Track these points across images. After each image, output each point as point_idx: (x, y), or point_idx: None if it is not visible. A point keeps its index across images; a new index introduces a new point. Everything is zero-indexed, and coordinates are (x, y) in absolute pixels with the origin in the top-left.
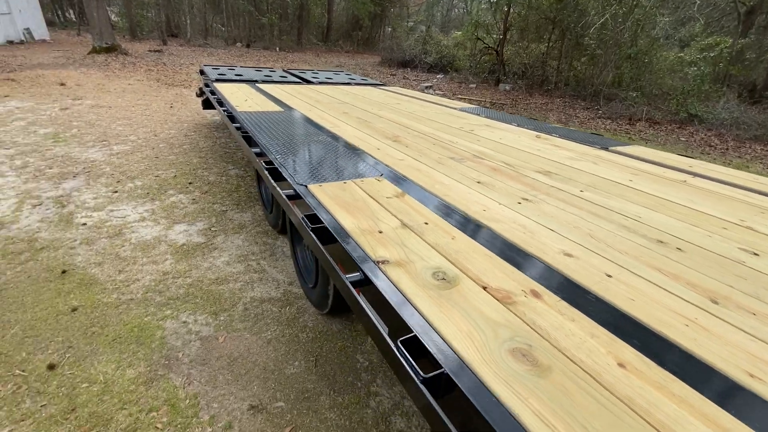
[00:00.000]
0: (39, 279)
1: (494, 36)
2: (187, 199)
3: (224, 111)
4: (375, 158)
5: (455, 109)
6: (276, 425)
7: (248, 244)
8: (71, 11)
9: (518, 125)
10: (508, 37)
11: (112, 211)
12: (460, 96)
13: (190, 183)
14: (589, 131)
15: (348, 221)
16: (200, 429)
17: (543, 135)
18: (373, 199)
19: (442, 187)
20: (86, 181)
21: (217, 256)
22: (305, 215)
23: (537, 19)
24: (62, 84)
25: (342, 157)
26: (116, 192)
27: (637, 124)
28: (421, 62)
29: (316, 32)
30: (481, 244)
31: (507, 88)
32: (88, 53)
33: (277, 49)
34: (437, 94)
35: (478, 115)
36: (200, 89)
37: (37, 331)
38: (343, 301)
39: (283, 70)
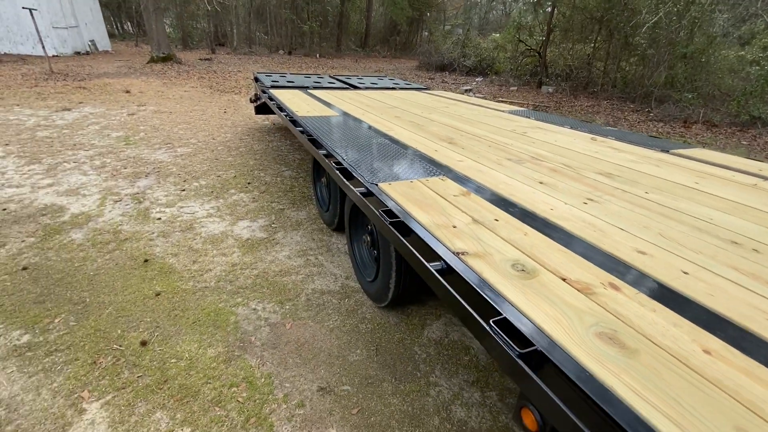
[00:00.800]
0: (125, 267)
1: (536, 38)
2: (248, 197)
3: (286, 116)
4: (434, 160)
5: (503, 111)
6: (344, 406)
7: (306, 240)
8: (129, 24)
9: (571, 128)
10: (551, 38)
11: (182, 207)
12: (500, 99)
13: (248, 183)
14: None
15: (422, 217)
16: (276, 405)
17: (599, 137)
18: (441, 197)
19: (506, 186)
20: (157, 180)
21: (278, 250)
22: (382, 210)
23: (582, 19)
24: (127, 91)
25: (403, 158)
26: (184, 190)
27: (693, 127)
28: (459, 65)
29: (355, 38)
30: (554, 241)
31: (550, 90)
32: (147, 62)
33: (317, 55)
34: (477, 98)
35: (528, 117)
36: (255, 95)
37: (128, 311)
38: (404, 294)
39: (330, 77)
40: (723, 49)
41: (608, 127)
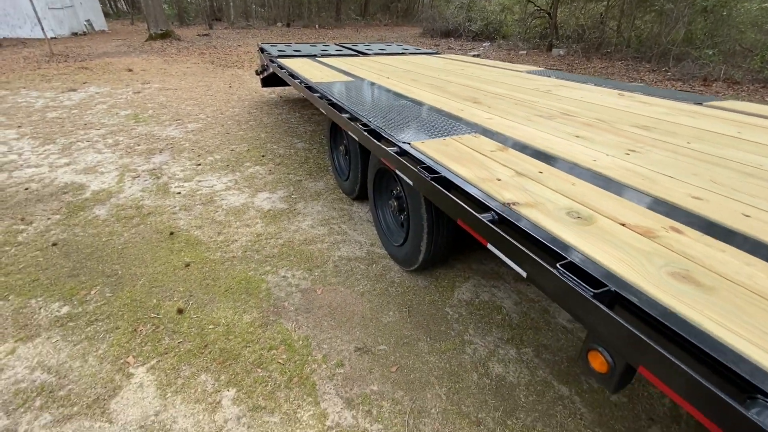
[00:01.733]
0: (152, 240)
1: None
2: (264, 170)
3: (300, 83)
4: (462, 118)
5: (521, 71)
6: (382, 365)
7: (327, 210)
8: (123, 1)
9: (595, 84)
10: None
11: (200, 181)
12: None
13: (263, 156)
14: None
15: (464, 171)
16: (316, 365)
17: (626, 92)
18: (478, 152)
19: (543, 141)
20: (171, 155)
21: (301, 220)
22: (421, 167)
23: None
24: (130, 70)
25: (429, 118)
26: (199, 165)
27: (713, 84)
28: (465, 30)
29: (354, 6)
30: (604, 189)
31: (561, 53)
32: (146, 40)
33: (317, 26)
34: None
35: (549, 77)
36: (262, 67)
37: (160, 282)
38: (434, 256)
39: (336, 44)
40: (746, 1)
41: (634, 84)
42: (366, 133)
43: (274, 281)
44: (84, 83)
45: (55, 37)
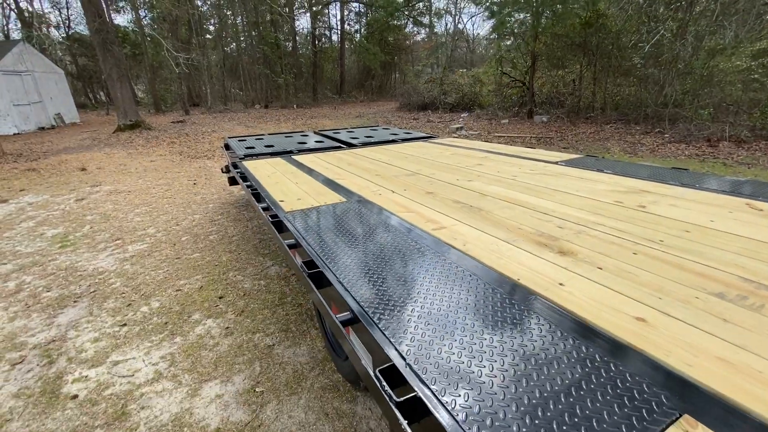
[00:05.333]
0: None
1: (519, 68)
2: (218, 327)
3: (266, 213)
4: (558, 306)
5: (558, 163)
6: None
7: (315, 419)
8: (101, 93)
9: (681, 184)
10: (536, 66)
11: (116, 363)
12: (497, 134)
13: (220, 298)
14: (671, 162)
15: None
16: None
17: (755, 202)
18: None
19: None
20: (89, 308)
21: None
22: None
23: (562, 46)
24: (83, 169)
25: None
26: (125, 325)
27: (720, 145)
28: (441, 103)
29: (330, 86)
30: None
31: (544, 119)
32: (114, 132)
33: (294, 106)
34: (471, 135)
35: (598, 170)
36: (227, 167)
37: None
38: None
39: (315, 133)
40: (721, 61)
41: (743, 179)
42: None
43: None
44: (21, 191)
45: (18, 133)
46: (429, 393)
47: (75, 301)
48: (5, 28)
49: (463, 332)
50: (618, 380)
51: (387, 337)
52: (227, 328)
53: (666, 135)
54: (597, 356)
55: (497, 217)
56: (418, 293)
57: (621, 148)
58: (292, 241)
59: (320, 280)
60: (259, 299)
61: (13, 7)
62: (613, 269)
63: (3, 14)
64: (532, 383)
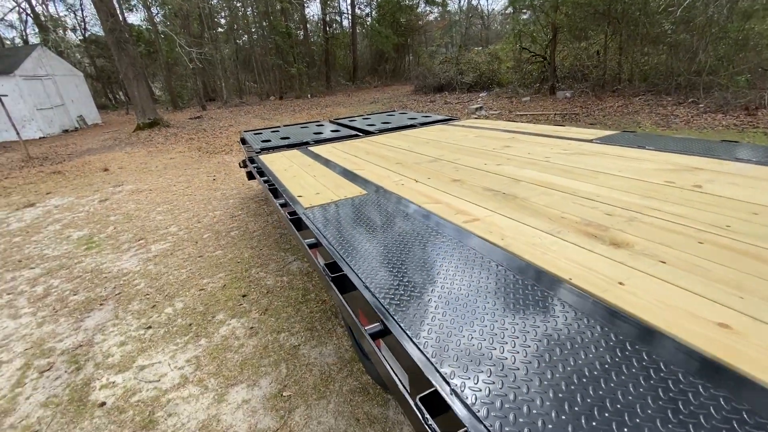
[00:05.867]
0: None
1: (539, 42)
2: (243, 327)
3: (284, 209)
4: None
5: (593, 141)
6: None
7: (346, 425)
8: (120, 93)
9: (752, 159)
10: (557, 39)
11: (142, 368)
12: (519, 113)
13: (243, 296)
14: (708, 133)
15: None
16: None
17: None
18: None
19: None
20: (114, 311)
21: None
22: None
23: (585, 15)
24: (106, 170)
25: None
26: (150, 328)
27: (758, 113)
28: (458, 84)
29: (343, 73)
30: None
31: (567, 95)
32: (134, 131)
33: (309, 96)
34: (491, 114)
35: (640, 146)
36: (244, 161)
37: None
38: None
39: (331, 122)
40: (756, 24)
41: None
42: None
43: None
44: (48, 194)
45: (44, 137)
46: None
47: (101, 304)
48: (23, 33)
49: (517, 352)
50: (712, 408)
51: (426, 356)
52: (252, 328)
53: (701, 105)
54: (680, 376)
55: (535, 205)
56: (455, 298)
57: (653, 121)
58: (312, 240)
59: (344, 284)
60: (282, 296)
61: (29, 12)
62: (679, 263)
63: (20, 19)
64: (607, 415)
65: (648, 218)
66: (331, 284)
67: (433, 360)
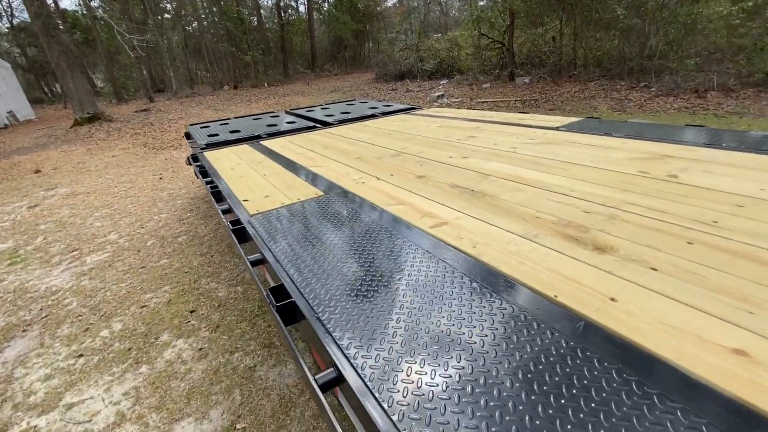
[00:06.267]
0: None
1: (498, 29)
2: (191, 348)
3: (227, 216)
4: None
5: (559, 129)
6: None
7: None
8: (57, 85)
9: (722, 144)
10: (515, 25)
11: (71, 407)
12: (480, 100)
13: (192, 312)
14: (661, 117)
15: None
16: None
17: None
18: None
19: None
20: (40, 338)
21: None
22: None
23: (541, 1)
24: (37, 171)
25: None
26: (81, 356)
27: (708, 95)
28: (419, 71)
29: (301, 60)
30: None
31: (526, 81)
32: (71, 127)
33: (266, 84)
34: (453, 102)
35: (608, 134)
36: (188, 159)
37: None
38: None
39: (287, 113)
40: (702, 8)
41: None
42: None
43: None
44: None
45: None
46: None
47: (24, 330)
48: None
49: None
50: None
51: (388, 415)
52: (201, 349)
53: (653, 89)
54: (704, 429)
55: (506, 203)
56: (424, 330)
57: (608, 105)
58: (257, 255)
59: (293, 314)
60: (236, 310)
61: None
62: (672, 270)
63: None
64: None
65: (628, 215)
66: (276, 315)
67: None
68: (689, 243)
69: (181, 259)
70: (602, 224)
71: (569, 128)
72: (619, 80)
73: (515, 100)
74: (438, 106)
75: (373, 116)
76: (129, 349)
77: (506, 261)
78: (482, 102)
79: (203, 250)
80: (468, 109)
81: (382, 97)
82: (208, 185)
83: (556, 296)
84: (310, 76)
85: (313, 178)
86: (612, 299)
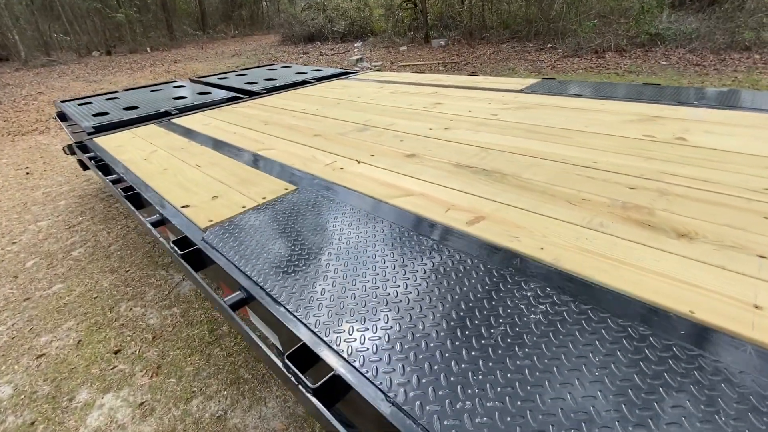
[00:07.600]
0: None
1: None
2: (126, 405)
3: (153, 224)
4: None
5: (519, 91)
6: None
7: None
8: None
9: (697, 102)
10: None
11: None
12: (401, 63)
13: (116, 352)
14: (572, 76)
15: None
16: None
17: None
18: None
19: None
20: None
21: None
22: None
23: None
24: None
25: None
26: None
27: (606, 55)
28: (330, 33)
29: (189, 21)
30: None
31: (442, 43)
32: None
33: (148, 49)
34: (374, 66)
35: (578, 95)
36: (69, 146)
37: None
38: None
39: (193, 81)
40: None
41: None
42: None
43: None
44: None
45: None
46: None
47: None
48: None
49: None
50: None
51: None
52: (142, 403)
53: (559, 50)
54: None
55: (536, 184)
56: (491, 379)
57: (524, 67)
58: (238, 294)
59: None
60: (179, 340)
61: None
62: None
63: None
64: None
65: (677, 188)
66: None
67: None
68: (766, 218)
69: (83, 280)
70: (660, 203)
71: (534, 90)
72: (527, 42)
73: (437, 63)
74: (362, 70)
75: (305, 83)
76: (32, 424)
77: (595, 266)
78: (404, 65)
79: (113, 265)
80: (396, 72)
81: (294, 61)
82: (116, 185)
83: (692, 311)
84: (203, 39)
85: (269, 166)
86: (756, 306)
